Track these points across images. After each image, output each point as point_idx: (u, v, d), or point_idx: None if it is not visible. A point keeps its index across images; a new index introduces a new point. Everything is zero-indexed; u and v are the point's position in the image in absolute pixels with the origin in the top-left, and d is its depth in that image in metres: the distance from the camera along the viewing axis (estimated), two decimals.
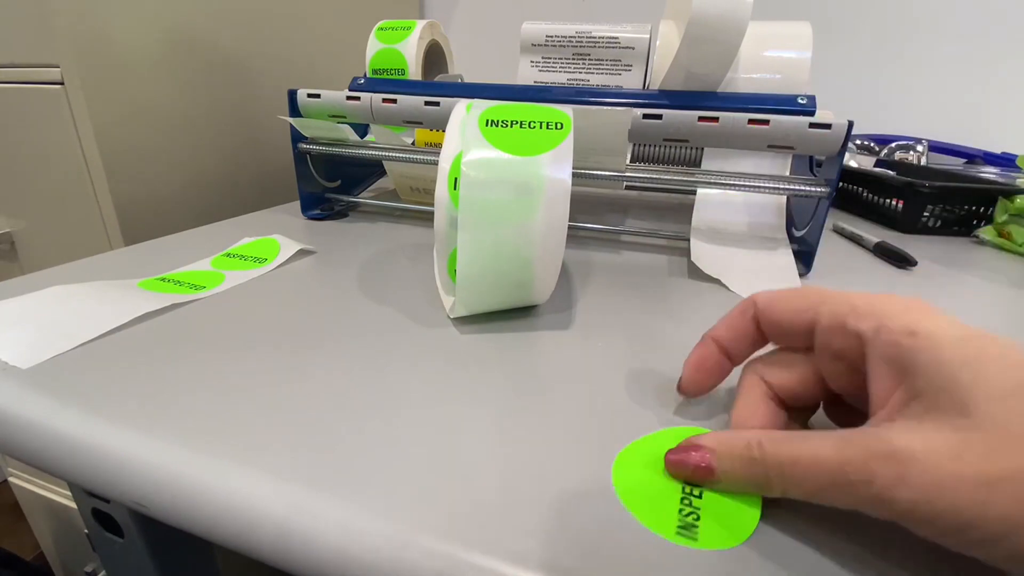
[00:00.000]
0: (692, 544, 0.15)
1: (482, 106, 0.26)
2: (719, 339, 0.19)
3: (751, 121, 0.33)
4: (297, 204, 0.46)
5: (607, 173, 0.38)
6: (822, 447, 0.14)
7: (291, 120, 0.42)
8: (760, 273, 0.35)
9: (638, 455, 0.18)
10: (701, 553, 0.14)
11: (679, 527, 0.15)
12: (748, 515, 0.15)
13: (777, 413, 0.18)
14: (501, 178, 0.23)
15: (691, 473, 0.16)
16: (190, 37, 0.52)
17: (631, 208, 0.55)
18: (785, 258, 0.36)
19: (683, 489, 0.16)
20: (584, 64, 0.46)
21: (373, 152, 0.44)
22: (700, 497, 0.16)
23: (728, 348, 0.19)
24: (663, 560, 0.14)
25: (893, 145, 0.69)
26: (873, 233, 0.45)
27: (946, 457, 0.12)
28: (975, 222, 0.50)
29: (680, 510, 0.16)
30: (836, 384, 0.17)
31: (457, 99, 0.29)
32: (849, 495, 0.13)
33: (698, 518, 0.15)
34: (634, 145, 0.53)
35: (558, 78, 0.47)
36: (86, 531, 0.34)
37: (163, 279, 0.31)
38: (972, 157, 0.70)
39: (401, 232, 0.43)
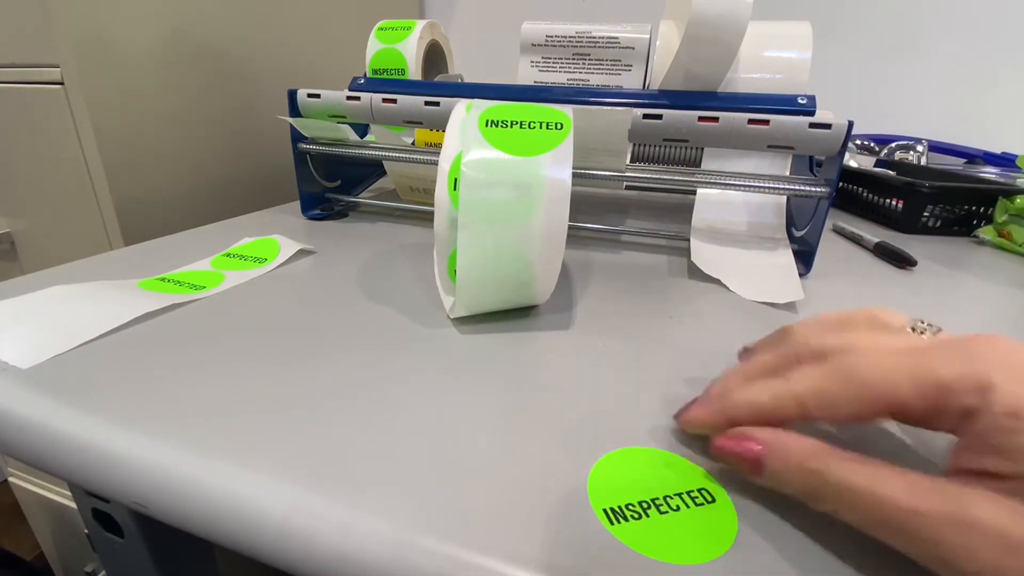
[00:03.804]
0: (672, 560, 0.14)
1: (482, 106, 0.26)
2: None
3: (751, 121, 0.33)
4: (297, 204, 0.46)
5: (607, 173, 0.38)
6: (893, 486, 0.13)
7: (291, 120, 0.42)
8: (760, 273, 0.35)
9: (613, 471, 0.17)
10: (678, 568, 0.14)
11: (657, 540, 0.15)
12: (725, 531, 0.15)
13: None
14: (501, 178, 0.23)
15: (738, 462, 0.16)
16: (190, 37, 0.52)
17: (631, 208, 0.55)
18: (785, 258, 0.36)
19: (659, 507, 0.16)
20: (584, 64, 0.46)
21: (373, 152, 0.44)
22: (677, 510, 0.16)
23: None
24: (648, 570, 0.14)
25: (893, 145, 0.69)
26: (873, 233, 0.45)
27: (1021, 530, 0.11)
28: (975, 222, 0.50)
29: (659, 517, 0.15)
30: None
31: (457, 99, 0.29)
32: (905, 542, 0.13)
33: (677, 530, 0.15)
34: (634, 145, 0.53)
35: (558, 78, 0.47)
36: (86, 531, 0.34)
37: (163, 279, 0.31)
38: (972, 157, 0.70)
39: (401, 232, 0.43)
